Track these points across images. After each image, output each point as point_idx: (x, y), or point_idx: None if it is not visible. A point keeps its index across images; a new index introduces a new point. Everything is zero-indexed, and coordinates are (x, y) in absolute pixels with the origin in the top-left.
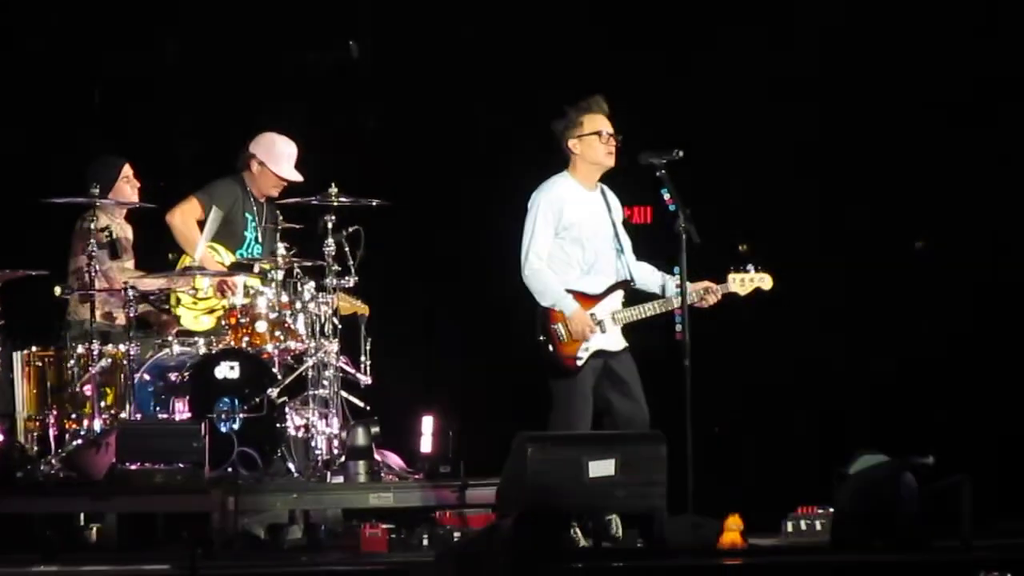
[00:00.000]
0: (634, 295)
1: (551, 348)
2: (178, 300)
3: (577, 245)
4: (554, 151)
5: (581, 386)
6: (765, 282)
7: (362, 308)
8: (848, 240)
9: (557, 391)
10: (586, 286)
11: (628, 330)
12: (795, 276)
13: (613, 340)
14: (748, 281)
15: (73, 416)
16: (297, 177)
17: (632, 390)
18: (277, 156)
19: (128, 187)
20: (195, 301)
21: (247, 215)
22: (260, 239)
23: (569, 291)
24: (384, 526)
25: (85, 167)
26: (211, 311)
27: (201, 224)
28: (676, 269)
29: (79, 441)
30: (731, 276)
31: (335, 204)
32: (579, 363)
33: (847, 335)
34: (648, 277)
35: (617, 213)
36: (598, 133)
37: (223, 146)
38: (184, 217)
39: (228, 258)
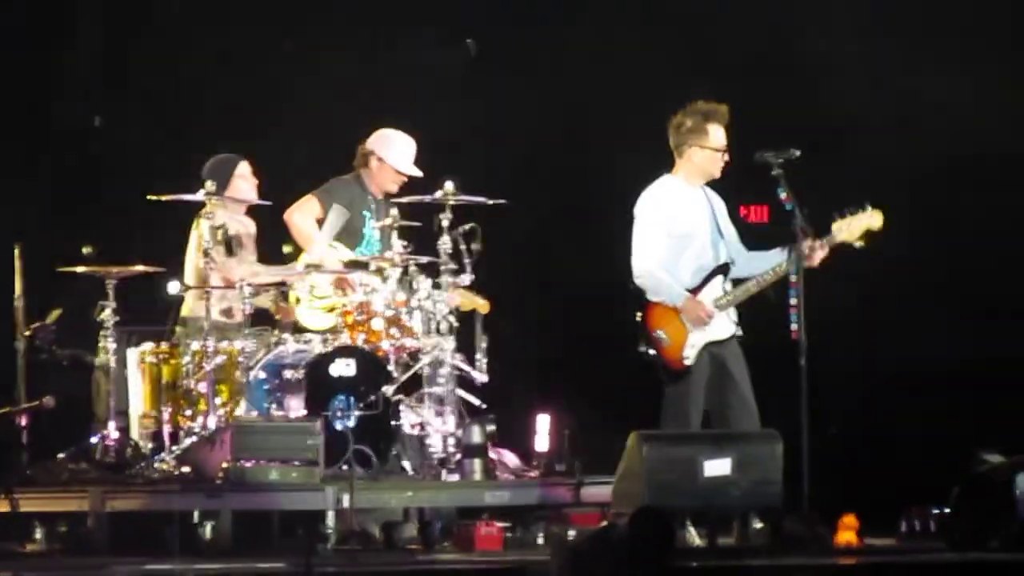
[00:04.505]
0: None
1: (656, 354)
2: (297, 300)
3: (686, 244)
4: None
5: (694, 391)
6: (875, 219)
7: (482, 305)
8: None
9: (670, 394)
10: (692, 282)
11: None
12: (906, 273)
13: (719, 328)
14: (855, 225)
15: (187, 413)
16: (417, 172)
17: (742, 389)
18: (397, 152)
19: (244, 184)
20: (312, 299)
21: (365, 213)
22: (378, 236)
23: None
24: (499, 524)
25: (201, 166)
26: (331, 309)
27: (320, 223)
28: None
29: (193, 438)
30: (835, 225)
31: (451, 202)
32: (687, 362)
33: (964, 333)
34: (758, 263)
35: (719, 206)
36: (719, 151)
37: (337, 144)
38: (303, 215)
39: (347, 256)
